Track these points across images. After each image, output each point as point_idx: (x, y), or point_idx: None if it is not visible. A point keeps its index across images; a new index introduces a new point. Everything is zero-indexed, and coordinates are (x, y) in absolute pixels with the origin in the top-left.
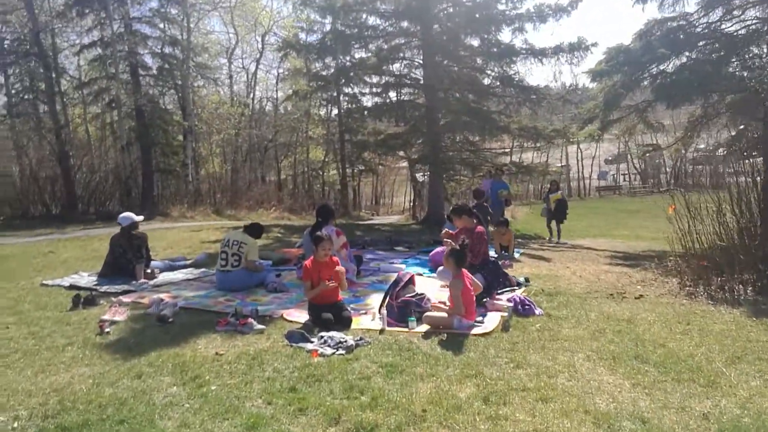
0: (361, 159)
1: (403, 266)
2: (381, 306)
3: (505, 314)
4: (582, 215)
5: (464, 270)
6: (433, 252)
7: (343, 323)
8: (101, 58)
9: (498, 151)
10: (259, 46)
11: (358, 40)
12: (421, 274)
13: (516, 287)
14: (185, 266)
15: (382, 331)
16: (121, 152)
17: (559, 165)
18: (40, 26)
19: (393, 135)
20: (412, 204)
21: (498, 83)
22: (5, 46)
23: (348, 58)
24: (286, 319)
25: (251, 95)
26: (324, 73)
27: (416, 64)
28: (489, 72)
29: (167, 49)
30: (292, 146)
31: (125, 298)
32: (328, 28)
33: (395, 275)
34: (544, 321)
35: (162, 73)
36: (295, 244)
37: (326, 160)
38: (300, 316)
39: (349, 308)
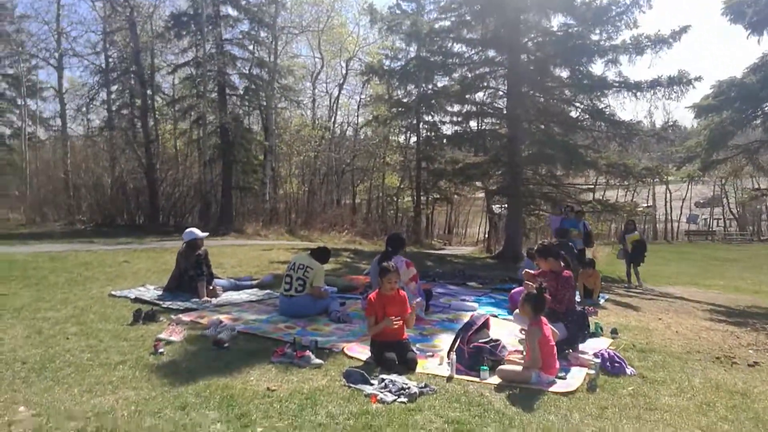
0: (437, 187)
1: (476, 305)
2: (450, 350)
3: (592, 371)
4: (670, 260)
5: (542, 318)
6: (513, 291)
7: (408, 365)
8: (192, 77)
9: (582, 186)
10: (343, 71)
11: (441, 68)
12: (496, 316)
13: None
14: (251, 286)
15: (449, 379)
16: (203, 168)
17: (645, 205)
18: (141, 46)
19: (472, 164)
20: (486, 236)
21: (587, 116)
22: (110, 64)
23: (430, 85)
24: (346, 354)
25: (332, 119)
26: (405, 100)
27: (500, 93)
28: (577, 104)
29: (255, 71)
30: (368, 171)
31: (185, 317)
32: (412, 55)
33: (468, 315)
34: (638, 383)
35: (248, 93)
36: (363, 271)
37: (401, 186)
38: (362, 352)
39: (414, 348)
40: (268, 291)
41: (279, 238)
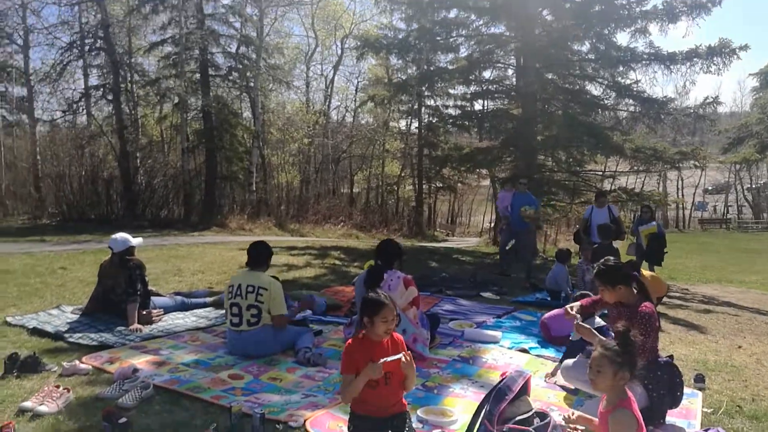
0: (440, 175)
1: (499, 335)
2: (471, 430)
3: None
4: (690, 251)
5: (630, 393)
6: (548, 315)
7: None
8: (171, 56)
9: (605, 173)
10: (339, 50)
11: (444, 41)
12: (527, 351)
13: None
14: (204, 305)
15: None
16: (182, 155)
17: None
18: (111, 21)
19: (481, 150)
20: (492, 226)
21: (611, 93)
22: (75, 41)
23: (432, 62)
24: None
25: (327, 103)
26: (404, 77)
27: (511, 70)
28: (600, 80)
29: (242, 49)
30: (367, 159)
31: (86, 362)
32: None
33: (489, 351)
34: None
35: (231, 73)
36: (354, 279)
37: (402, 175)
38: (334, 430)
39: (415, 419)
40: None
41: (266, 232)
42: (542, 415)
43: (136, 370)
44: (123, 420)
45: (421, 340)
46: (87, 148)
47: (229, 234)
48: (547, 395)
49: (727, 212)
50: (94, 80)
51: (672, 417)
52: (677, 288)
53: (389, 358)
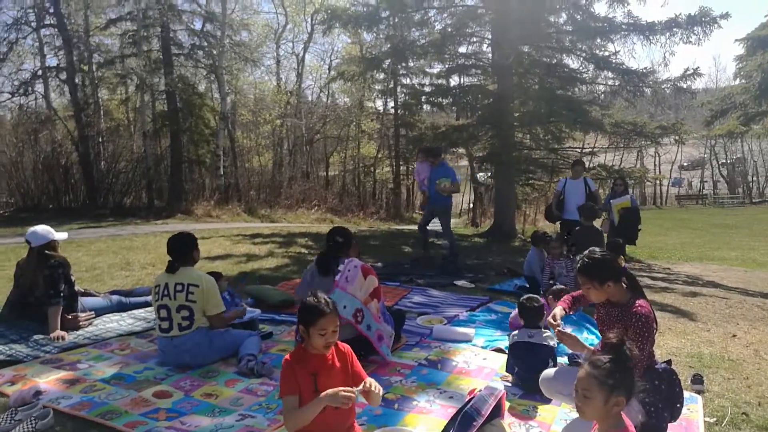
0: (417, 156)
1: (471, 332)
2: None
3: None
4: (668, 228)
5: (627, 420)
6: (514, 315)
7: None
8: (130, 33)
9: (583, 150)
10: (309, 27)
11: (416, 10)
12: (503, 350)
13: None
14: (145, 303)
15: None
16: (144, 139)
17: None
18: None
19: (456, 127)
20: (471, 207)
21: (590, 66)
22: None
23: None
24: None
25: (298, 82)
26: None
27: (486, 43)
28: (578, 53)
29: (207, 27)
30: (342, 140)
31: None
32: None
33: (459, 351)
34: None
35: (194, 51)
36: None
37: (379, 156)
38: None
39: None
40: None
41: (234, 218)
42: None
43: (38, 393)
44: None
45: (386, 339)
46: (42, 132)
47: (194, 221)
48: (524, 408)
49: (703, 188)
50: (53, 61)
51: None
52: (659, 268)
53: (354, 390)
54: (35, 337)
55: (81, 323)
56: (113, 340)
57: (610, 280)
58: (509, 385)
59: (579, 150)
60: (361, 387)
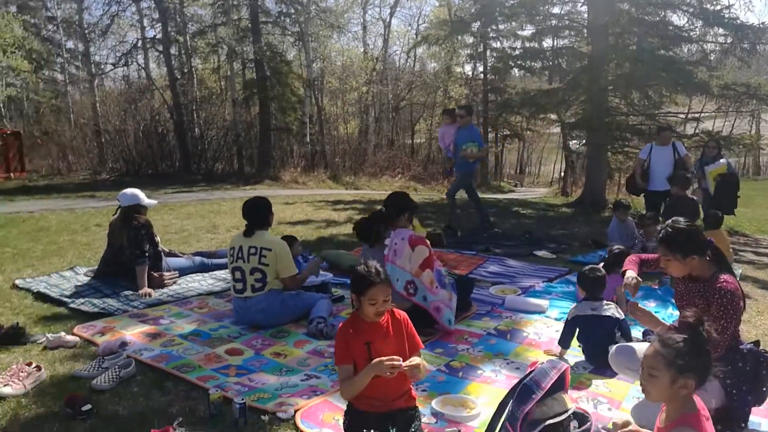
0: (506, 122)
1: (546, 304)
2: None
3: None
4: None
5: (700, 403)
6: None
7: None
8: (220, 3)
9: (687, 116)
10: None
11: None
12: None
13: None
14: (226, 265)
15: None
16: (233, 107)
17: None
18: None
19: (546, 92)
20: (562, 176)
21: (698, 23)
22: None
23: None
24: (299, 427)
25: (384, 48)
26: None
27: (581, 1)
28: (685, 8)
29: None
30: (429, 107)
31: (76, 332)
32: None
33: (537, 352)
34: None
35: (281, 18)
36: None
37: None
38: (330, 423)
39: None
40: None
41: (319, 185)
42: (581, 417)
43: (124, 344)
44: (87, 407)
45: (445, 307)
46: (141, 102)
47: (281, 187)
48: (594, 384)
49: None
50: (152, 33)
51: (757, 417)
52: None
53: (403, 364)
54: (125, 292)
55: (166, 282)
56: (193, 299)
57: (694, 253)
58: (578, 359)
59: (683, 115)
60: (405, 364)
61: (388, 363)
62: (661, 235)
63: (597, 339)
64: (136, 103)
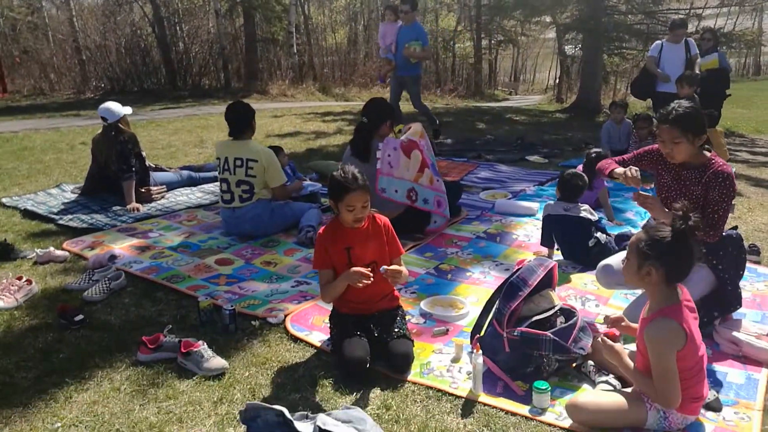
0: (500, 27)
1: (536, 207)
2: (476, 333)
3: None
4: None
5: (684, 290)
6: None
7: (394, 367)
8: None
9: (689, 13)
10: None
11: None
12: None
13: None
14: (213, 179)
15: (470, 400)
16: (216, 18)
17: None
18: None
19: None
20: (557, 82)
21: None
22: None
23: None
24: (289, 332)
25: None
26: None
27: None
28: None
29: None
30: (419, 13)
31: (65, 247)
32: None
33: (526, 254)
34: None
35: None
36: None
37: (459, 29)
38: (320, 326)
39: (409, 327)
40: None
41: (309, 98)
42: (568, 312)
43: (113, 257)
44: (79, 317)
45: (445, 200)
46: (119, 15)
47: (269, 101)
48: (582, 282)
49: None
50: None
51: (744, 308)
52: (765, 142)
53: (387, 269)
54: (113, 208)
55: (154, 196)
56: (182, 212)
57: (704, 133)
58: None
59: (685, 11)
60: (383, 269)
61: (357, 274)
62: (671, 116)
63: (572, 239)
64: (114, 17)
